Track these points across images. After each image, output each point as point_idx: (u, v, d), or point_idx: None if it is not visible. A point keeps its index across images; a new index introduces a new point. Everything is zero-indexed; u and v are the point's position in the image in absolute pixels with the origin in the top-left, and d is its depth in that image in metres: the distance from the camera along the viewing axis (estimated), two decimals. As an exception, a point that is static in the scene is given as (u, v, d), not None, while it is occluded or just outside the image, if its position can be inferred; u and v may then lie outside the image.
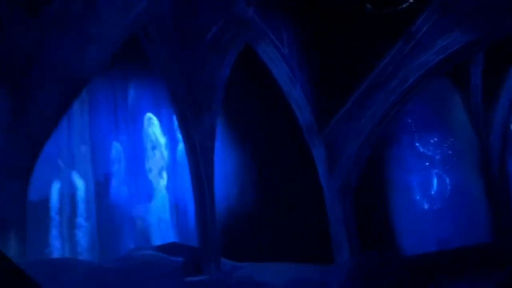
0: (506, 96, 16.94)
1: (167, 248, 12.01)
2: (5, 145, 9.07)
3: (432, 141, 16.73)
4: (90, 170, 14.08)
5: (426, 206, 16.36)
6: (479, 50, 15.43)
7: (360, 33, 14.95)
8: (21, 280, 4.57)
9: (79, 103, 13.55)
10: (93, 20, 9.67)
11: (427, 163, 16.62)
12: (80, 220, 13.55)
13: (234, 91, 13.52)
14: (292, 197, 14.63)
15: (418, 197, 16.40)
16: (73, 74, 9.59)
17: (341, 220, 14.80)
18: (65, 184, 13.61)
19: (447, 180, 16.57)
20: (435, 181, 16.57)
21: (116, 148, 14.79)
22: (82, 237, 13.45)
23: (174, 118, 14.08)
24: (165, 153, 15.38)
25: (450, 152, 16.72)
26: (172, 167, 15.32)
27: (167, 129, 15.49)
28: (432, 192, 16.49)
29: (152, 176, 15.08)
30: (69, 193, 13.58)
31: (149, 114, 15.43)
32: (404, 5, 14.91)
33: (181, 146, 14.52)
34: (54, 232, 13.22)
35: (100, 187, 14.13)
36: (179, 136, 14.11)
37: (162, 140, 15.41)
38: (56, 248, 13.16)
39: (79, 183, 13.80)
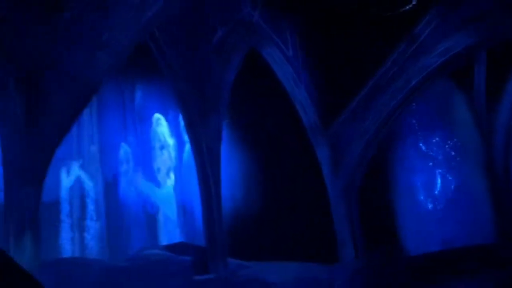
0: (509, 97, 16.98)
1: (175, 248, 12.17)
2: (20, 149, 9.34)
3: (435, 141, 16.78)
4: (99, 171, 14.27)
5: (430, 206, 16.41)
6: (481, 52, 15.53)
7: (363, 35, 15.07)
8: (26, 280, 4.68)
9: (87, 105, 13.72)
10: (105, 27, 9.89)
11: (431, 163, 16.67)
12: (90, 220, 13.73)
13: (239, 93, 13.67)
14: (296, 197, 14.76)
15: (422, 197, 16.44)
16: (85, 80, 9.83)
17: (345, 220, 14.90)
18: (74, 185, 13.81)
19: (451, 180, 16.60)
20: (439, 181, 16.60)
21: (124, 149, 14.97)
22: (92, 237, 13.64)
23: (180, 119, 14.25)
24: (173, 154, 15.55)
25: (454, 152, 16.76)
26: (178, 168, 15.48)
27: (174, 130, 15.67)
28: (436, 192, 16.52)
29: (160, 176, 15.25)
30: (79, 194, 13.77)
31: (158, 115, 15.61)
32: (407, 8, 15.02)
33: (187, 147, 14.68)
34: (64, 232, 13.42)
35: (109, 188, 14.32)
36: (186, 137, 14.27)
37: (170, 141, 15.58)
38: (66, 248, 13.36)
39: (88, 184, 13.99)
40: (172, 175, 15.42)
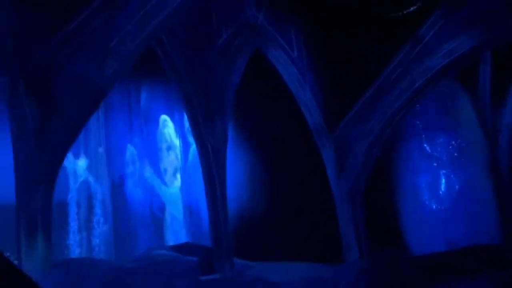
0: (514, 97, 16.98)
1: (181, 248, 12.24)
2: (33, 152, 9.50)
3: (440, 142, 16.81)
4: (106, 172, 14.39)
5: (434, 207, 16.45)
6: (485, 53, 15.57)
7: (368, 37, 15.13)
8: (21, 281, 4.77)
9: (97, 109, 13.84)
10: (113, 34, 10.07)
11: (435, 164, 16.70)
12: (97, 221, 13.85)
13: (244, 94, 13.75)
14: (302, 199, 14.82)
15: (427, 198, 16.48)
16: (93, 86, 10.00)
17: (350, 221, 14.96)
18: (81, 187, 13.94)
19: (455, 181, 16.62)
20: (443, 182, 16.63)
21: (131, 150, 15.09)
22: (99, 238, 13.75)
23: (186, 120, 14.35)
24: (179, 155, 15.65)
25: (458, 153, 16.78)
26: (184, 169, 15.58)
27: (179, 132, 15.77)
28: (440, 193, 16.55)
29: (167, 177, 15.36)
30: (86, 195, 13.90)
31: (164, 116, 15.72)
32: (412, 9, 15.08)
33: (193, 148, 14.77)
34: (71, 233, 13.54)
35: (116, 189, 14.44)
36: (191, 138, 14.36)
37: (176, 142, 15.68)
38: (74, 249, 13.48)
39: (95, 185, 14.11)
40: (178, 176, 15.51)
